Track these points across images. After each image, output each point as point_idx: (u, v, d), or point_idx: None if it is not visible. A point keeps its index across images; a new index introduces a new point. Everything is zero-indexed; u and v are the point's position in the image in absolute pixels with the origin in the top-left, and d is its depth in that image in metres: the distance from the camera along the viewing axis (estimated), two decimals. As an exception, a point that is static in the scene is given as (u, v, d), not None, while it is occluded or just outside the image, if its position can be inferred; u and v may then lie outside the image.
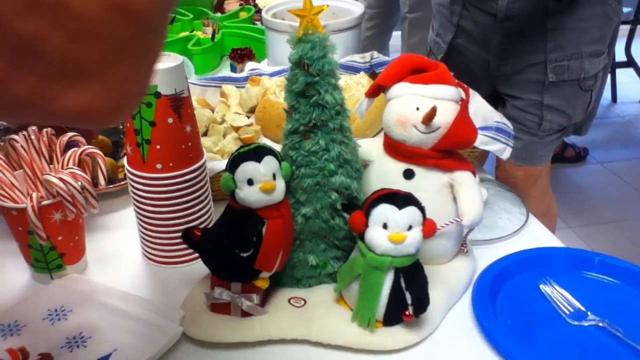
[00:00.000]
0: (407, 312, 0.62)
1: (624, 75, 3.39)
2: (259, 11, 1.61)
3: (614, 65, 3.20)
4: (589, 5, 1.17)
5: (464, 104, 0.68)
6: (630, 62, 3.27)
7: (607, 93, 3.31)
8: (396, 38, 2.44)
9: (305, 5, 0.61)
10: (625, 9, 3.09)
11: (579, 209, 2.44)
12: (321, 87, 0.62)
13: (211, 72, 1.40)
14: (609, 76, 3.10)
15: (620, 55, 3.20)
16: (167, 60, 0.70)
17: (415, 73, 0.68)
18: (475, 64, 1.32)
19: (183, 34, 1.51)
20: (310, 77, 0.62)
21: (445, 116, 0.66)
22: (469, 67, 1.32)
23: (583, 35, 1.19)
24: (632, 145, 2.96)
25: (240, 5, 1.75)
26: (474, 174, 0.70)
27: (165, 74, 0.67)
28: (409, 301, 0.62)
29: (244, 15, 1.63)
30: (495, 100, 1.37)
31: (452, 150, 0.70)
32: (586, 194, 2.59)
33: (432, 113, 0.64)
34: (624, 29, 2.96)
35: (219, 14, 1.65)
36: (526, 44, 1.23)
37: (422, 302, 0.62)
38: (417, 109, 0.66)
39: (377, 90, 0.71)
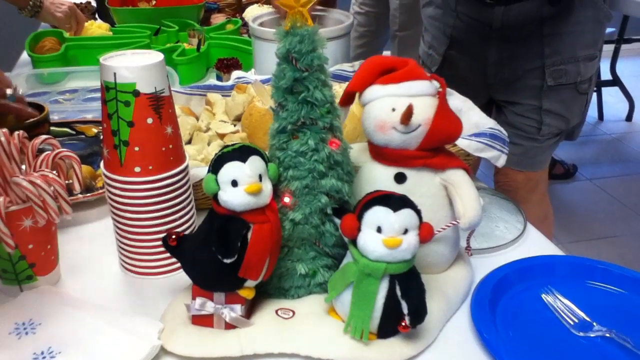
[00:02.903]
0: (403, 323, 0.58)
1: (610, 94, 3.42)
2: (245, 24, 1.59)
3: (600, 84, 3.23)
4: (582, 9, 1.17)
5: (441, 95, 0.64)
6: (615, 81, 3.30)
7: (593, 111, 3.33)
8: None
9: (294, -5, 0.58)
10: (610, 29, 3.12)
11: (568, 225, 2.42)
12: (310, 83, 0.59)
13: (196, 83, 1.37)
14: (594, 95, 3.13)
15: (605, 74, 3.23)
16: (147, 57, 0.66)
17: (385, 74, 0.65)
18: (471, 73, 1.30)
19: (168, 45, 1.48)
20: (299, 73, 0.58)
21: (424, 112, 0.63)
22: (465, 77, 1.30)
23: (578, 39, 1.19)
24: (620, 162, 2.96)
25: (226, 18, 1.72)
26: (468, 171, 0.66)
27: (145, 71, 0.64)
28: (405, 311, 0.58)
29: (230, 27, 1.60)
30: (490, 108, 1.35)
31: (441, 147, 0.67)
32: (576, 210, 2.58)
33: (409, 112, 0.61)
34: (609, 49, 2.99)
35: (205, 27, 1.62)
36: (523, 50, 1.22)
37: (419, 312, 0.58)
38: (393, 109, 0.63)
39: (348, 99, 0.67)
